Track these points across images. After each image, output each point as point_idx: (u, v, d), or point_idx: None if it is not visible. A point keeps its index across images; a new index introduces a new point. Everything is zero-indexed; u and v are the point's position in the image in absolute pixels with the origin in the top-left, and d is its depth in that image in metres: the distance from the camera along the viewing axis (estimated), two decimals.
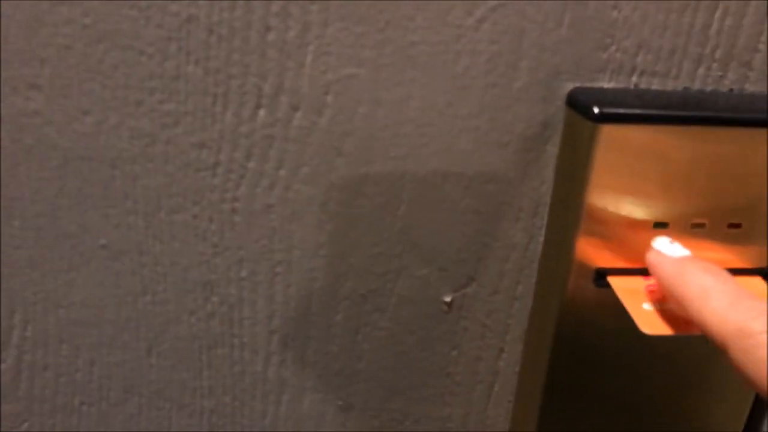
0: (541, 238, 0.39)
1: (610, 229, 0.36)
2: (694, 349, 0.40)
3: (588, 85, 0.36)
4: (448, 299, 0.40)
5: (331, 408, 0.42)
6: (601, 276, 0.37)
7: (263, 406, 0.42)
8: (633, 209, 0.35)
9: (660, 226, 0.36)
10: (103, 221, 0.36)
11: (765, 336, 0.26)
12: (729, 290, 0.29)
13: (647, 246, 0.36)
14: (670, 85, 0.36)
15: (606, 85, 0.36)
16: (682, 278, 0.31)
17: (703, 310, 0.29)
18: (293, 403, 0.42)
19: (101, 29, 0.32)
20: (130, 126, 0.34)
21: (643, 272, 0.37)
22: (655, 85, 0.36)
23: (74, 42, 0.32)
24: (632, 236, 0.36)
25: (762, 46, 0.36)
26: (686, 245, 0.36)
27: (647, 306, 0.34)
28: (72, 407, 0.40)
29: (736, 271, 0.38)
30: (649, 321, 0.33)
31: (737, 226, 0.37)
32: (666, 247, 0.34)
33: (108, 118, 0.34)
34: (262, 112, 0.34)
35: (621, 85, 0.36)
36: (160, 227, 0.36)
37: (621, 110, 0.34)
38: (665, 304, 0.34)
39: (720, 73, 0.36)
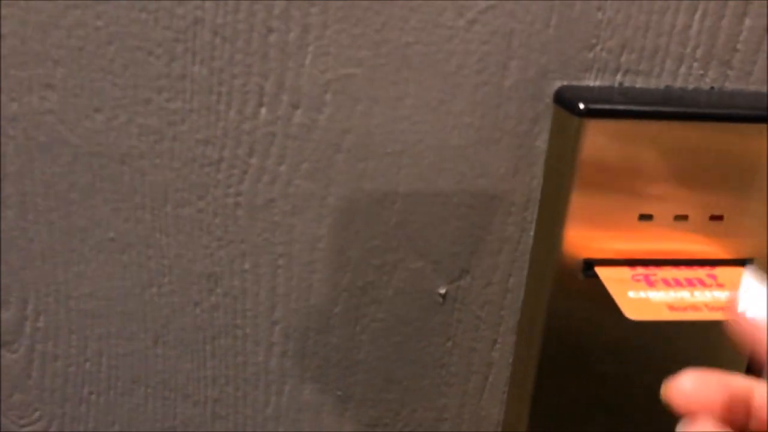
0: (532, 232, 0.41)
1: (596, 221, 0.37)
2: (683, 337, 0.41)
3: (575, 83, 0.37)
4: (442, 291, 0.42)
5: (331, 398, 0.44)
6: (588, 266, 0.38)
7: (265, 396, 0.43)
8: (618, 202, 0.37)
9: (644, 218, 0.37)
10: (113, 215, 0.38)
11: None
12: None
13: (632, 237, 0.38)
14: (653, 84, 0.38)
15: (592, 83, 0.38)
16: None
17: None
18: (294, 393, 0.44)
19: (112, 31, 0.34)
20: (138, 123, 0.36)
21: (629, 262, 0.38)
22: (639, 83, 0.38)
23: (86, 44, 0.34)
24: (618, 228, 0.38)
25: (740, 46, 0.37)
26: (670, 237, 0.38)
27: (632, 293, 0.36)
28: (81, 396, 0.42)
29: (719, 263, 0.40)
30: (634, 307, 0.35)
31: (719, 218, 0.38)
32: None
33: (118, 116, 0.36)
34: (263, 110, 0.36)
35: (606, 84, 0.38)
36: (167, 221, 0.38)
37: (605, 106, 0.36)
38: (650, 291, 0.36)
39: (701, 72, 0.38)
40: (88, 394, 0.42)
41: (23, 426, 0.42)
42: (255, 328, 0.41)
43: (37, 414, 0.42)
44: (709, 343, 0.41)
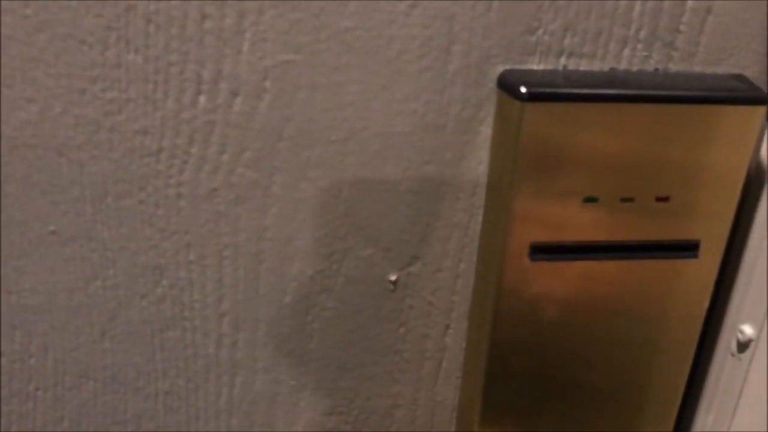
0: (480, 217, 0.41)
1: (542, 205, 0.37)
2: (631, 316, 0.42)
3: (518, 67, 0.37)
4: (393, 278, 0.41)
5: (284, 388, 0.44)
6: (535, 250, 0.38)
7: (217, 388, 0.43)
8: (563, 185, 0.37)
9: (590, 201, 0.37)
10: (52, 208, 0.37)
11: None
12: None
13: (578, 220, 0.38)
14: (597, 66, 0.38)
15: (536, 67, 0.37)
16: None
17: None
18: (246, 385, 0.43)
19: (42, 19, 0.33)
20: (74, 114, 0.35)
21: (573, 248, 0.38)
22: (583, 66, 0.38)
23: (15, 32, 0.33)
24: (563, 211, 0.38)
25: (683, 27, 0.37)
26: (617, 219, 0.38)
27: None
28: (27, 393, 0.41)
29: (668, 245, 0.40)
30: None
31: (665, 199, 0.38)
32: None
33: (52, 107, 0.35)
34: (202, 98, 0.35)
35: (550, 67, 0.37)
36: (108, 213, 0.37)
37: (548, 90, 0.36)
38: None
39: (645, 53, 0.38)
40: (34, 390, 0.41)
41: None
42: (203, 320, 0.41)
43: None
44: (656, 321, 0.41)
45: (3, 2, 0.32)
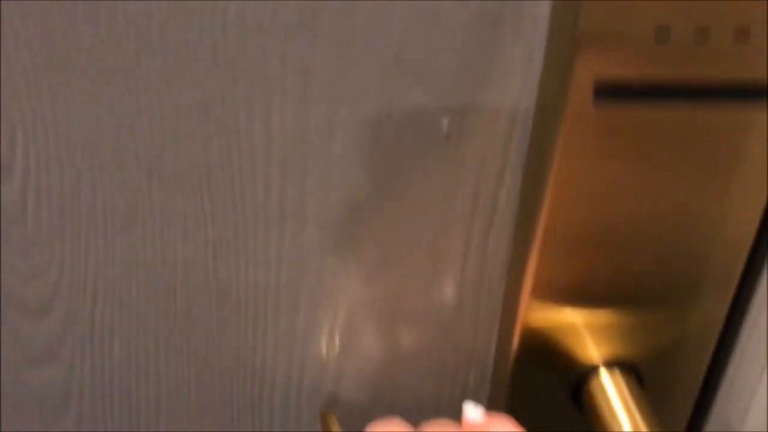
0: (541, 58, 0.38)
1: (608, 36, 0.35)
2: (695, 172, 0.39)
3: None
4: (446, 123, 0.40)
5: (334, 238, 0.43)
6: (600, 91, 0.36)
7: (266, 235, 0.42)
8: (633, 12, 0.34)
9: (661, 31, 0.34)
10: (95, 38, 0.36)
11: None
12: None
13: (647, 53, 0.35)
14: None
15: None
16: None
17: None
18: (296, 235, 0.43)
19: None
20: None
21: (641, 89, 0.36)
22: None
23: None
24: (632, 43, 0.35)
25: None
26: (690, 54, 0.35)
27: None
28: (78, 233, 0.41)
29: (740, 92, 0.37)
30: None
31: (745, 32, 0.35)
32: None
33: None
34: None
35: None
36: (152, 45, 0.36)
37: None
38: None
39: None
40: (85, 231, 0.42)
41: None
42: (251, 164, 0.40)
43: (36, 249, 0.42)
44: (726, 178, 0.39)
45: None
